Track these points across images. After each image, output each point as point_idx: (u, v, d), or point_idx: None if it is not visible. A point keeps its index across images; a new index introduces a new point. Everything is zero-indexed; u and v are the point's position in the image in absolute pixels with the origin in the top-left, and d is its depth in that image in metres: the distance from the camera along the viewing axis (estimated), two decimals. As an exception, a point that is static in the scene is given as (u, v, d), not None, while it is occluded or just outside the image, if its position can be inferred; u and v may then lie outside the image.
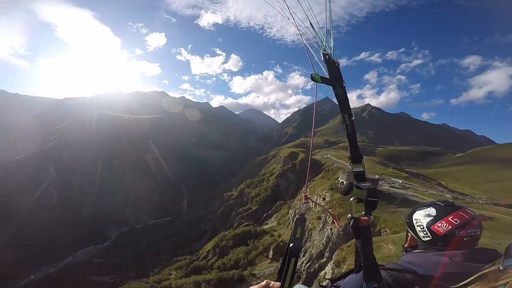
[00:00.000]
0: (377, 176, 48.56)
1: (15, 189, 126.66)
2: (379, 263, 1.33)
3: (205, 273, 45.53)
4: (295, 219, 1.46)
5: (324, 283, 1.59)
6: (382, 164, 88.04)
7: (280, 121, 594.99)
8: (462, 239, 1.45)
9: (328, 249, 24.80)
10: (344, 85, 1.47)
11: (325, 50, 1.48)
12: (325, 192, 34.77)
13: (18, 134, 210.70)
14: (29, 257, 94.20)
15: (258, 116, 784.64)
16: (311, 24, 1.57)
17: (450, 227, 1.49)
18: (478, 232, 1.50)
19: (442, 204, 1.64)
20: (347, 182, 1.43)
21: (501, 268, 1.01)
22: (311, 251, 27.32)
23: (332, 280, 1.59)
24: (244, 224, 67.78)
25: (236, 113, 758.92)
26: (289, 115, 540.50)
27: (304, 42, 1.53)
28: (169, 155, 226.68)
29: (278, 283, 1.42)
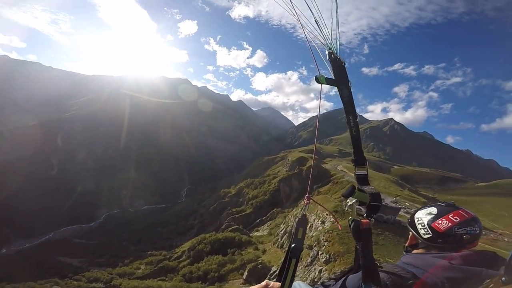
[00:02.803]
0: (398, 204, 39.87)
1: (17, 156, 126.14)
2: (378, 264, 1.34)
3: (170, 276, 39.95)
4: (296, 220, 1.42)
5: (326, 282, 1.58)
6: (397, 184, 78.37)
7: (296, 124, 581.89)
8: (461, 236, 1.48)
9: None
10: (349, 85, 1.44)
11: (330, 49, 1.45)
12: (327, 214, 26.65)
13: (37, 103, 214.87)
14: (10, 228, 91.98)
15: (275, 115, 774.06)
16: (315, 20, 1.51)
17: (450, 224, 1.51)
18: (478, 231, 1.51)
19: (443, 204, 1.70)
20: (350, 185, 1.45)
21: (503, 280, 0.99)
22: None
23: (335, 278, 1.58)
24: (232, 227, 60.87)
25: (254, 109, 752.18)
26: (307, 118, 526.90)
27: (308, 37, 1.47)
28: (178, 141, 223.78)
29: (278, 284, 1.38)
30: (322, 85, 1.43)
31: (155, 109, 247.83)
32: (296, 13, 1.52)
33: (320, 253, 18.86)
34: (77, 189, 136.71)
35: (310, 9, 1.48)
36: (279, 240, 36.12)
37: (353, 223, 1.29)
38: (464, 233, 1.48)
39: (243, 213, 71.31)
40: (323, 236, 20.27)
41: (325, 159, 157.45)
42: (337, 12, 1.48)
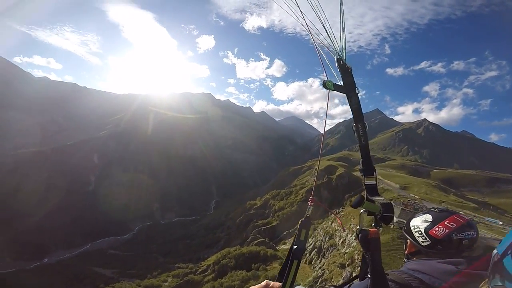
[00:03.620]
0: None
1: (58, 172, 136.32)
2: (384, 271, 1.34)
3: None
4: (300, 221, 1.43)
5: None
6: (440, 189, 70.34)
7: (322, 132, 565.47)
8: (460, 242, 1.49)
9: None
10: (357, 92, 1.43)
11: (339, 55, 1.43)
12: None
13: (75, 123, 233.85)
14: (51, 240, 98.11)
15: (299, 124, 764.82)
16: (323, 26, 1.49)
17: (447, 230, 1.52)
18: (475, 235, 1.53)
19: (437, 210, 1.70)
20: (358, 195, 1.42)
21: (490, 285, 1.03)
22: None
23: (337, 286, 1.58)
24: (258, 240, 58.38)
25: (277, 119, 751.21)
26: (333, 125, 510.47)
27: (316, 43, 1.45)
28: (204, 155, 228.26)
29: (278, 284, 1.39)
30: (334, 91, 1.40)
31: (181, 124, 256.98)
32: (303, 18, 1.49)
33: (354, 274, 15.90)
34: (113, 203, 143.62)
35: (318, 16, 1.45)
36: (307, 255, 32.92)
37: (361, 233, 1.28)
38: (462, 238, 1.49)
39: (269, 226, 68.48)
40: (358, 255, 17.25)
41: (356, 166, 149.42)
42: (343, 16, 1.45)
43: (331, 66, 1.41)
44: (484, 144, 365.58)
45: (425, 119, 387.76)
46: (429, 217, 1.63)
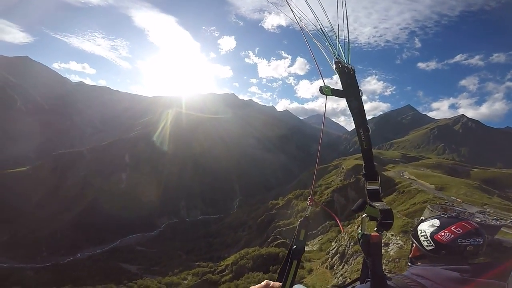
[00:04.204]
0: (497, 221, 30.43)
1: (93, 171, 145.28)
2: (387, 275, 1.36)
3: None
4: (299, 221, 1.43)
5: None
6: (482, 190, 63.12)
7: (350, 129, 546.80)
8: (465, 248, 1.47)
9: None
10: (360, 95, 1.38)
11: (337, 58, 1.38)
12: (391, 235, 20.67)
13: (109, 125, 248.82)
14: (85, 236, 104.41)
15: (326, 122, 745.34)
16: (321, 27, 1.46)
17: (453, 236, 1.50)
18: (482, 242, 1.50)
19: (446, 216, 1.68)
20: (361, 199, 1.44)
21: None
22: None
23: (338, 287, 1.58)
24: (278, 241, 56.75)
25: (301, 118, 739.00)
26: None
27: (310, 45, 1.41)
28: (229, 153, 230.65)
29: (278, 283, 1.39)
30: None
31: (206, 124, 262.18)
32: (298, 17, 1.43)
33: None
34: (143, 201, 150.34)
35: (315, 15, 1.40)
36: (329, 260, 30.51)
37: (362, 238, 1.28)
38: (467, 244, 1.47)
39: (291, 226, 66.34)
40: (386, 264, 15.05)
41: (386, 166, 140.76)
42: (346, 16, 1.41)
43: (332, 68, 1.39)
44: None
45: (463, 115, 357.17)
46: (437, 222, 1.63)
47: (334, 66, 1.39)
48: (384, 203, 1.36)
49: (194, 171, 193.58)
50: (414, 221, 22.72)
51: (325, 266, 30.45)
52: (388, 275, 1.40)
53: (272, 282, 1.44)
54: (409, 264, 1.77)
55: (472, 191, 55.52)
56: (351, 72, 1.35)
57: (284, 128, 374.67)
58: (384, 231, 1.30)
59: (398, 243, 18.54)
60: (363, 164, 1.43)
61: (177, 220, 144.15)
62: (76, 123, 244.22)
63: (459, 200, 43.29)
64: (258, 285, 1.41)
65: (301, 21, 1.42)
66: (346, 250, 28.10)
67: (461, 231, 1.51)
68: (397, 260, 15.23)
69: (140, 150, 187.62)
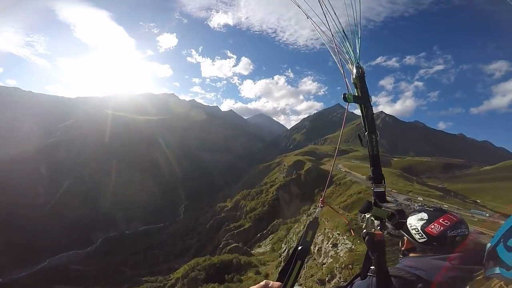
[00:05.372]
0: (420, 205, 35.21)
1: (2, 187, 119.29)
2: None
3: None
4: (307, 222, 1.45)
5: None
6: (404, 178, 73.98)
7: (289, 127, 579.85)
8: (454, 238, 1.61)
9: None
10: (370, 100, 1.44)
11: (358, 63, 1.42)
12: (338, 235, 21.18)
13: (19, 132, 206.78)
14: (5, 258, 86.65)
15: (267, 121, 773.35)
16: (344, 34, 1.48)
17: (442, 228, 1.63)
18: (467, 232, 1.65)
19: (431, 209, 1.80)
20: (366, 200, 1.51)
21: (486, 274, 1.15)
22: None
23: (340, 287, 1.62)
24: (231, 246, 55.47)
25: (245, 117, 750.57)
26: (298, 121, 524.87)
27: (338, 55, 1.42)
28: (169, 157, 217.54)
29: (278, 283, 1.37)
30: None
31: (143, 127, 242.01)
32: (320, 28, 1.46)
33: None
34: (69, 215, 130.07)
35: (336, 25, 1.44)
36: (282, 263, 30.74)
37: (367, 236, 1.36)
38: (455, 235, 1.61)
39: (241, 228, 66.02)
40: (340, 271, 15.20)
41: (323, 160, 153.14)
42: (360, 16, 1.44)
43: (346, 77, 1.40)
44: (435, 132, 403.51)
45: (382, 111, 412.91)
46: (424, 215, 1.74)
47: (355, 71, 1.40)
48: (394, 204, 1.43)
49: (130, 178, 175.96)
50: (358, 218, 24.24)
51: (279, 270, 30.45)
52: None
53: (271, 282, 1.42)
54: (401, 256, 1.86)
55: (397, 179, 64.47)
56: (364, 76, 1.39)
57: (229, 128, 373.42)
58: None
59: (347, 244, 19.20)
60: (371, 168, 1.47)
61: (115, 233, 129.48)
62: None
63: (389, 189, 49.39)
64: (257, 285, 1.39)
65: (325, 24, 1.41)
66: (302, 232, 28.49)
67: (449, 223, 1.64)
68: (350, 266, 15.51)
69: (60, 158, 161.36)
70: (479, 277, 1.23)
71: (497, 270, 1.10)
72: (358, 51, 1.46)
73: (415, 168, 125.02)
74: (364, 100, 1.43)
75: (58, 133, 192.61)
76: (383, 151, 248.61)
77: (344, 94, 1.39)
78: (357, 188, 59.90)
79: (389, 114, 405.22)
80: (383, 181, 1.47)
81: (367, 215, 1.44)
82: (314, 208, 52.55)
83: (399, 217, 1.39)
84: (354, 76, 1.43)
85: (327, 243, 20.80)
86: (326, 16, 1.44)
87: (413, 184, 58.22)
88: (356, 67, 1.41)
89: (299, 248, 1.37)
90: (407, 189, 51.32)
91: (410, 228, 1.77)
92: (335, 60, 1.44)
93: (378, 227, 1.44)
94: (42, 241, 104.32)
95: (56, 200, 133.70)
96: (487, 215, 43.61)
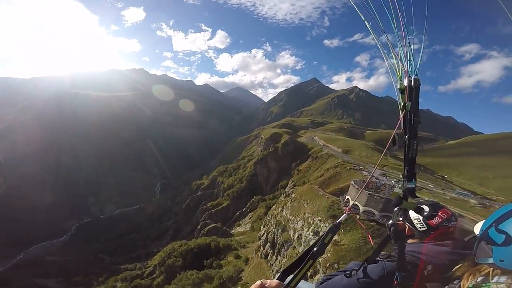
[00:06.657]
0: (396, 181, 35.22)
1: None
2: (388, 254, 1.78)
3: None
4: (330, 226, 1.58)
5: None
6: (377, 151, 75.61)
7: (266, 100, 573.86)
8: (448, 229, 1.96)
9: None
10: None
11: (416, 74, 1.50)
12: (319, 221, 19.61)
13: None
14: None
15: (245, 95, 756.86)
16: (408, 42, 1.53)
17: (440, 220, 1.95)
18: (456, 224, 2.02)
19: (431, 203, 2.08)
20: (397, 196, 1.74)
21: (478, 261, 1.39)
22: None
23: (346, 271, 1.79)
24: (209, 226, 54.33)
25: (222, 91, 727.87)
26: (276, 94, 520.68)
27: (390, 64, 1.52)
28: (142, 135, 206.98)
29: (275, 281, 1.45)
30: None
31: (110, 104, 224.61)
32: (376, 37, 1.54)
33: None
34: (36, 204, 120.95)
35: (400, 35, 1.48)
36: (262, 248, 29.63)
37: (393, 226, 1.67)
38: (450, 226, 1.96)
39: (220, 207, 64.76)
40: (324, 271, 13.76)
41: (299, 131, 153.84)
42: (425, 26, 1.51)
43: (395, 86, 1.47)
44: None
45: (356, 86, 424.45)
46: (426, 208, 2.00)
47: (413, 82, 1.48)
48: (427, 198, 1.62)
49: (99, 160, 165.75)
50: (340, 200, 22.97)
51: (259, 255, 29.47)
52: (389, 253, 1.79)
53: (268, 281, 1.47)
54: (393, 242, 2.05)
55: (371, 153, 65.54)
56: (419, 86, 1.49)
57: (205, 103, 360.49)
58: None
59: (324, 229, 17.71)
60: (407, 168, 1.60)
61: (90, 219, 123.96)
62: None
63: (365, 164, 49.53)
64: (254, 285, 1.44)
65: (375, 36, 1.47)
66: (275, 239, 27.32)
67: (446, 216, 1.96)
68: (335, 265, 14.00)
69: (18, 143, 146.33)
70: (469, 260, 1.50)
71: (491, 260, 1.26)
72: (419, 63, 1.51)
73: (387, 140, 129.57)
74: (416, 110, 1.52)
75: (11, 116, 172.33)
76: (356, 124, 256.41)
77: (404, 103, 1.48)
78: (333, 162, 59.88)
79: (362, 89, 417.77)
80: (414, 179, 1.63)
81: (395, 209, 1.73)
82: (292, 183, 52.02)
83: (433, 210, 1.81)
84: (405, 85, 1.48)
85: (308, 230, 19.36)
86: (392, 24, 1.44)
87: (387, 158, 59.51)
88: (414, 79, 1.47)
89: (315, 249, 1.45)
90: (382, 163, 52.06)
91: (412, 218, 2.03)
92: (392, 67, 1.47)
93: (401, 218, 1.80)
94: (11, 234, 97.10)
95: (18, 189, 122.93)
96: (471, 196, 45.93)
